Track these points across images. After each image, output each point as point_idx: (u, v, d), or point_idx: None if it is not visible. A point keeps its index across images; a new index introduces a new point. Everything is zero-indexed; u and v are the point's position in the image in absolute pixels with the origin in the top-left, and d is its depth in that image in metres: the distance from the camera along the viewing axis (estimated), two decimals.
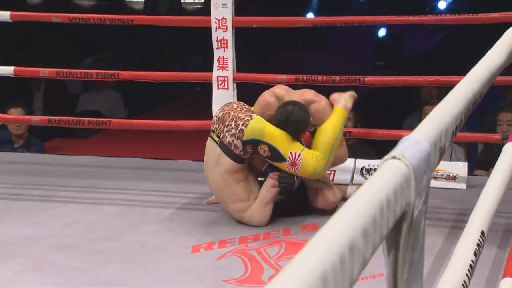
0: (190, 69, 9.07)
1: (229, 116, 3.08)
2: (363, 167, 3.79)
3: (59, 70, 4.05)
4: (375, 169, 3.72)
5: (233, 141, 3.01)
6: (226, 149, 3.04)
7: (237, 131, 3.02)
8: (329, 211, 3.24)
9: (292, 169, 3.02)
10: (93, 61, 7.94)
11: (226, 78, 3.81)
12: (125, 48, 9.27)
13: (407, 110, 5.73)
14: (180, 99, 8.23)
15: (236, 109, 3.13)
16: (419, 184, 0.89)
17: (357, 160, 3.83)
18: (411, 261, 0.89)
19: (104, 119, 4.15)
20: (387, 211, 0.78)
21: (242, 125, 3.02)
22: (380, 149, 4.49)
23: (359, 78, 3.62)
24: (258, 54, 10.54)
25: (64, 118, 4.06)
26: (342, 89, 3.30)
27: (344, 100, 3.19)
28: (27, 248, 2.89)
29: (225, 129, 3.05)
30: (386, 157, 0.92)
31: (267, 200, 3.09)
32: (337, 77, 3.64)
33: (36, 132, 5.76)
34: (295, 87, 3.36)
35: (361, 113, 4.75)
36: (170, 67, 8.88)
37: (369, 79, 3.65)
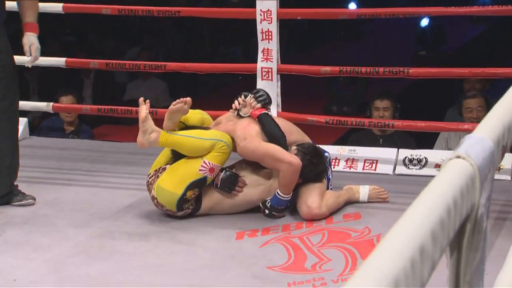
0: (230, 59, 9.10)
1: None
2: (405, 157, 3.71)
3: (108, 61, 4.07)
4: (418, 160, 3.65)
5: None
6: None
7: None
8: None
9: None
10: (139, 51, 7.98)
11: (270, 70, 3.77)
12: (168, 37, 9.28)
13: (448, 102, 5.61)
14: (223, 88, 8.21)
15: None
16: (483, 183, 0.84)
17: (399, 150, 3.76)
18: (473, 262, 0.84)
19: (152, 109, 4.13)
20: (454, 212, 0.74)
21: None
22: (420, 138, 4.41)
23: (403, 69, 3.54)
24: (300, 45, 10.44)
25: (112, 107, 4.08)
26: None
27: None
28: (79, 234, 2.91)
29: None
30: (449, 156, 0.87)
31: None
32: (381, 69, 3.58)
33: (86, 119, 5.82)
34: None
35: (399, 103, 4.66)
36: (210, 57, 8.93)
37: (413, 70, 3.58)
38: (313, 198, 3.02)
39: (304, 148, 3.06)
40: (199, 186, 2.93)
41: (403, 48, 9.83)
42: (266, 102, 3.13)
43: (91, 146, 4.36)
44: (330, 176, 3.21)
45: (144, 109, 2.94)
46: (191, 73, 4.18)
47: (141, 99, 2.98)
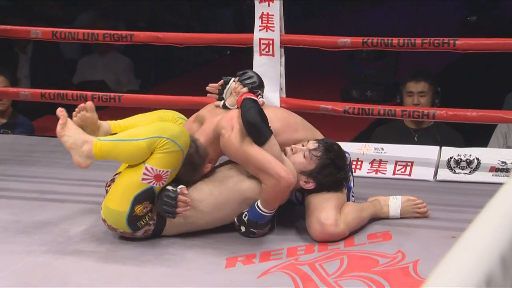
0: (216, 27, 9.10)
1: None
2: (450, 158, 3.74)
3: (55, 29, 4.07)
4: (467, 161, 3.66)
5: None
6: None
7: None
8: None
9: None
10: (94, 16, 7.97)
11: (271, 41, 3.78)
12: None
13: (507, 84, 5.63)
14: (206, 67, 8.22)
15: None
16: None
17: (442, 148, 3.77)
18: None
19: (113, 94, 4.16)
20: None
21: None
22: (470, 132, 4.43)
23: (448, 41, 3.56)
24: (308, 8, 10.43)
25: (61, 91, 4.08)
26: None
27: None
28: (15, 261, 2.92)
29: None
30: None
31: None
32: (418, 40, 3.60)
33: (23, 108, 5.81)
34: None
35: (440, 86, 4.68)
36: (188, 23, 8.92)
37: (462, 42, 3.58)
38: (328, 213, 3.03)
39: (328, 145, 3.09)
40: (148, 199, 2.95)
41: (446, 12, 9.84)
42: (255, 85, 3.13)
43: (30, 144, 4.36)
44: (352, 185, 3.22)
45: (62, 116, 2.97)
46: (163, 46, 4.18)
47: (58, 110, 3.00)
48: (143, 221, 2.97)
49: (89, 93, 4.07)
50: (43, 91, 4.13)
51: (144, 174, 2.91)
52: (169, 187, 2.93)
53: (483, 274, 0.66)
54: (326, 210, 3.04)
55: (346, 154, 3.21)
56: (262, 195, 2.99)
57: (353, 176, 3.27)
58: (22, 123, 5.29)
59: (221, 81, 3.20)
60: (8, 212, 3.40)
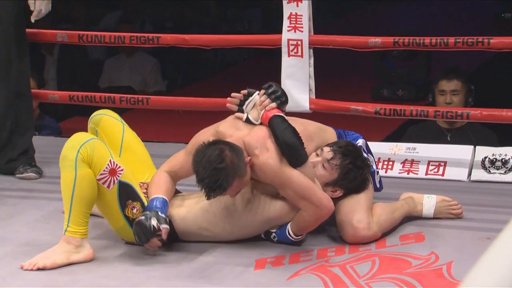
0: (244, 26, 9.08)
1: None
2: (485, 158, 3.73)
3: (81, 32, 4.11)
4: (503, 161, 3.65)
5: None
6: None
7: None
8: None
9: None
10: (119, 18, 8.02)
11: (299, 42, 3.80)
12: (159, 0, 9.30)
13: None
14: (234, 67, 8.24)
15: None
16: None
17: (476, 148, 3.76)
18: None
19: (141, 96, 4.18)
20: None
21: None
22: (505, 132, 4.40)
23: (482, 39, 3.56)
24: (337, 7, 10.39)
25: (89, 94, 4.12)
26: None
27: None
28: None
29: None
30: None
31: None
32: (451, 40, 3.59)
33: (49, 109, 5.87)
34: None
35: (474, 85, 4.66)
36: (216, 24, 8.92)
37: (497, 41, 3.57)
38: (360, 215, 3.03)
39: (342, 148, 3.06)
40: (129, 197, 2.96)
41: (479, 8, 9.75)
42: (282, 101, 2.99)
43: (57, 145, 4.39)
44: (374, 168, 3.22)
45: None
46: (190, 47, 4.20)
47: None
48: None
49: (117, 96, 4.10)
50: (72, 93, 4.18)
51: (102, 175, 2.90)
52: (153, 222, 2.86)
53: None
54: (357, 213, 3.03)
55: (359, 140, 3.21)
56: (296, 221, 2.96)
57: (373, 157, 3.26)
58: (49, 124, 5.35)
59: (245, 91, 3.05)
60: (35, 213, 3.44)
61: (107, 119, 3.27)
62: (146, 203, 2.97)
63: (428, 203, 3.23)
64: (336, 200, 3.04)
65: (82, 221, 2.90)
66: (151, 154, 3.33)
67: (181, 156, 3.10)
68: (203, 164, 2.78)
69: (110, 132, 3.25)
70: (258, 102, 2.99)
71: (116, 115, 3.32)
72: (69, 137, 3.02)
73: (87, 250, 2.92)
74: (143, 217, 2.87)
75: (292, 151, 2.87)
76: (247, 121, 2.99)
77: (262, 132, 2.92)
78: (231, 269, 2.87)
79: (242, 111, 3.02)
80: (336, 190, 3.06)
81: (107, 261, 2.95)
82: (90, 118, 3.29)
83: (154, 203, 2.93)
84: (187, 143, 3.13)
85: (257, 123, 2.98)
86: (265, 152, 2.87)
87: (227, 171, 2.76)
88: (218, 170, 2.75)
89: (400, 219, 3.18)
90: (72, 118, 6.28)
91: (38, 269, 2.84)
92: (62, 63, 7.35)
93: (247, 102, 3.02)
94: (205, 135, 3.01)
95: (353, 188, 3.07)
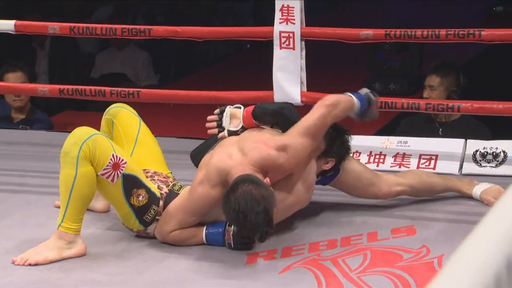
0: (236, 19, 9.08)
1: None
2: (476, 151, 3.74)
3: (73, 25, 4.09)
4: (494, 154, 3.66)
5: None
6: None
7: None
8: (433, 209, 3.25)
9: None
10: (111, 10, 8.01)
11: (291, 34, 3.79)
12: None
13: None
14: (226, 60, 8.24)
15: None
16: None
17: (467, 141, 3.77)
18: None
19: (131, 89, 4.17)
20: None
21: None
22: (497, 125, 4.41)
23: (473, 31, 3.56)
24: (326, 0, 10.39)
25: (80, 87, 4.10)
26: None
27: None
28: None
29: None
30: None
31: None
32: (443, 32, 3.59)
33: (41, 103, 5.85)
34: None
35: (465, 78, 4.66)
36: (207, 17, 8.91)
37: (487, 33, 3.57)
38: (385, 177, 3.28)
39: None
40: (134, 186, 2.97)
41: (471, 1, 9.76)
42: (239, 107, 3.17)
43: (49, 140, 4.39)
44: None
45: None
46: (182, 40, 4.20)
47: None
48: (149, 215, 3.00)
49: (107, 89, 4.09)
50: (62, 87, 4.16)
51: (105, 170, 2.91)
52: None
53: (492, 274, 0.67)
54: (376, 176, 3.27)
55: None
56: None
57: None
58: (40, 118, 5.32)
59: (217, 110, 3.17)
60: (26, 207, 3.44)
61: (125, 113, 3.31)
62: (151, 189, 3.00)
63: (484, 185, 3.34)
64: (340, 185, 3.23)
65: (78, 218, 2.92)
66: None
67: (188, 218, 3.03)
68: (240, 218, 2.71)
69: (127, 125, 3.28)
70: (232, 111, 3.13)
71: (133, 110, 3.36)
72: (60, 131, 3.02)
73: (79, 245, 2.93)
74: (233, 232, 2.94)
75: (286, 111, 3.08)
76: (230, 133, 3.10)
77: (254, 143, 2.95)
78: (223, 264, 2.87)
79: (223, 129, 3.13)
80: (328, 161, 3.14)
81: (100, 256, 2.96)
82: (107, 109, 3.32)
83: None
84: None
85: (239, 127, 3.09)
86: (281, 150, 2.91)
87: (266, 210, 2.72)
88: (257, 214, 2.69)
89: (440, 187, 3.35)
90: (63, 112, 6.27)
91: (30, 265, 2.84)
92: (53, 56, 7.33)
93: (223, 119, 3.14)
94: (210, 193, 2.93)
95: (342, 153, 3.16)
